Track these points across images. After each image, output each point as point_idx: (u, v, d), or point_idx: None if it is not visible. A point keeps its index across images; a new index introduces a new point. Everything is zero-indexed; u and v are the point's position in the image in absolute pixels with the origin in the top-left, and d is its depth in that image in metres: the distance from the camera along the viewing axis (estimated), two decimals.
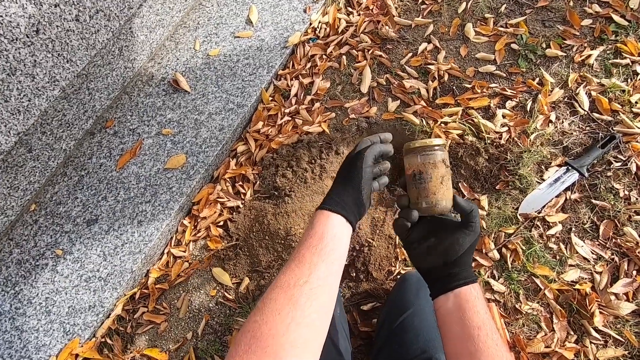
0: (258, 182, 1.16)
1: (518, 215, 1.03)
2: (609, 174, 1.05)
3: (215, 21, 1.28)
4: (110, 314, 1.01)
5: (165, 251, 1.11)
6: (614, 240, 0.99)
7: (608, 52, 1.19)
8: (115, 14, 0.93)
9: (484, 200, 1.06)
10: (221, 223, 1.13)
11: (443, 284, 0.56)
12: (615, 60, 1.17)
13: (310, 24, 1.31)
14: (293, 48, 1.31)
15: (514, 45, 1.24)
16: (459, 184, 1.09)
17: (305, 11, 1.33)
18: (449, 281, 0.56)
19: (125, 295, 1.02)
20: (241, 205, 1.13)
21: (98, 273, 0.99)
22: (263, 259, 1.05)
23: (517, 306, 0.96)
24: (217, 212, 1.13)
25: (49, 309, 0.97)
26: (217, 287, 1.07)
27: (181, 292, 1.07)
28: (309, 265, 0.51)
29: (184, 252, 1.11)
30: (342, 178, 0.59)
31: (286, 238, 1.03)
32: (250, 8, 1.31)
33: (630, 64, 1.16)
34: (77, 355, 0.97)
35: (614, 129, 1.09)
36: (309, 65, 1.30)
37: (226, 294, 1.06)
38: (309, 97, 1.26)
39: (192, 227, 1.13)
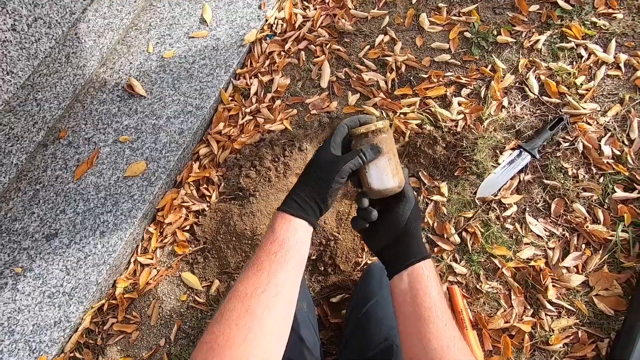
0: (223, 184, 1.17)
1: (476, 199, 1.08)
2: (558, 154, 1.11)
3: (168, 22, 1.26)
4: (78, 328, 1.00)
5: (132, 260, 1.11)
6: (564, 217, 1.06)
7: (554, 36, 1.24)
8: (57, 20, 0.91)
9: (444, 187, 1.11)
10: (187, 227, 1.13)
11: (396, 263, 0.58)
12: (561, 44, 1.23)
13: (267, 20, 1.32)
14: (250, 46, 1.30)
15: (467, 34, 1.28)
16: (419, 173, 1.13)
17: (260, 7, 1.32)
18: (401, 259, 0.58)
19: (92, 308, 1.02)
20: (207, 208, 1.14)
21: (62, 288, 0.98)
22: (232, 260, 1.07)
23: (478, 286, 1.02)
24: (182, 216, 1.13)
25: (12, 329, 0.95)
26: (188, 292, 1.08)
27: (151, 299, 1.07)
28: (267, 273, 0.51)
29: (151, 259, 1.11)
30: (309, 178, 0.57)
31: (253, 238, 1.05)
32: (203, 7, 1.30)
33: (575, 47, 1.22)
34: None
35: (562, 110, 1.15)
36: (267, 62, 1.30)
37: (197, 297, 1.07)
38: (269, 95, 1.27)
39: (158, 234, 1.13)
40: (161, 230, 1.13)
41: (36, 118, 1.07)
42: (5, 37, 0.84)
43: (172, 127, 1.15)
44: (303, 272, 0.55)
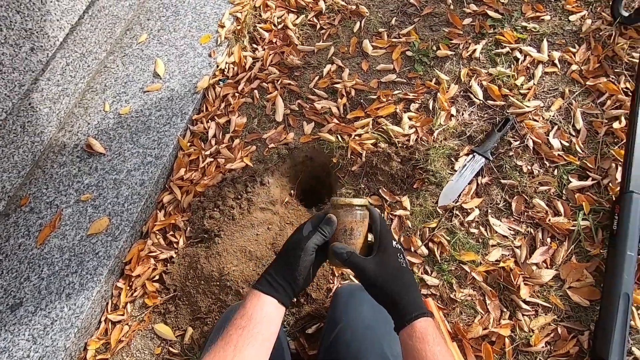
0: (189, 229, 1.20)
1: (438, 208, 1.12)
2: (510, 153, 1.16)
3: (123, 80, 1.35)
4: None
5: (102, 319, 1.11)
6: (526, 213, 1.09)
7: (490, 44, 1.34)
8: (5, 94, 0.98)
9: (406, 200, 1.15)
10: (156, 277, 1.15)
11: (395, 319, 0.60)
12: (497, 50, 1.32)
13: (218, 66, 1.41)
14: (204, 92, 1.39)
15: (408, 53, 1.38)
16: (380, 191, 1.17)
17: (210, 55, 1.42)
18: (395, 316, 0.59)
19: None
20: (174, 255, 1.16)
21: (28, 359, 0.97)
22: (202, 305, 1.07)
23: (452, 296, 1.03)
24: (150, 267, 1.15)
25: None
26: (162, 344, 1.08)
27: (125, 357, 1.06)
28: (234, 347, 0.54)
29: (122, 315, 1.11)
30: (280, 257, 0.64)
31: (221, 279, 1.06)
32: (155, 62, 1.39)
33: (510, 51, 1.31)
34: None
35: (508, 111, 1.22)
36: (223, 105, 1.38)
37: (171, 348, 1.06)
38: (227, 135, 1.33)
39: (127, 288, 1.14)
40: (130, 284, 1.14)
41: None
42: None
43: (133, 179, 1.19)
44: (272, 347, 0.58)
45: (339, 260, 0.63)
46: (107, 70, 1.37)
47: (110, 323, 1.11)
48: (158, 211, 1.23)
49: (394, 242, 0.65)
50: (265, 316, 0.57)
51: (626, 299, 0.89)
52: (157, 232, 1.21)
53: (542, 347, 0.95)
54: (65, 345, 1.00)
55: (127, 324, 1.11)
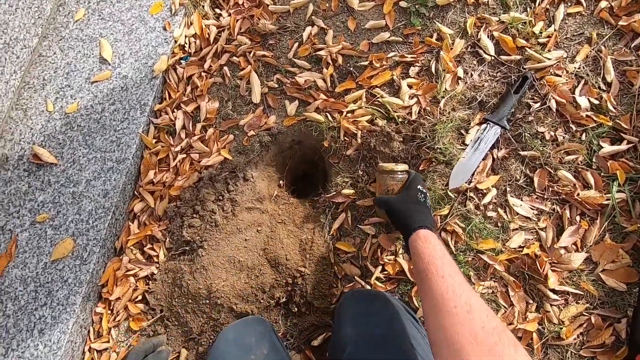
0: (168, 239, 1.06)
1: (449, 192, 0.98)
2: (530, 118, 1.01)
3: (64, 71, 1.13)
4: None
5: (86, 349, 1.01)
6: (550, 188, 0.96)
7: None
8: None
9: None
10: (139, 298, 1.04)
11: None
12: None
13: (176, 41, 1.19)
14: (163, 75, 1.18)
15: (402, 3, 1.16)
16: None
17: (165, 29, 1.19)
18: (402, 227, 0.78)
19: None
20: (156, 271, 1.04)
21: None
22: (193, 325, 0.97)
23: None
24: (130, 286, 1.03)
25: None
26: None
27: None
28: None
29: (108, 342, 1.02)
30: None
31: (210, 297, 0.95)
32: (100, 43, 1.17)
33: None
34: None
35: (525, 67, 1.03)
36: (188, 89, 1.18)
37: None
38: (199, 125, 1.15)
39: (108, 313, 1.03)
40: (110, 308, 1.03)
41: None
42: None
43: (95, 190, 1.03)
44: None
45: (377, 204, 0.87)
46: (43, 61, 1.15)
47: (95, 352, 1.01)
48: (130, 223, 1.09)
49: (420, 187, 0.82)
50: None
51: None
52: (132, 247, 1.07)
53: (574, 339, 0.86)
54: None
55: (114, 351, 1.01)
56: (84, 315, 0.99)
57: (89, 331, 1.02)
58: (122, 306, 1.03)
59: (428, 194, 0.83)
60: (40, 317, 0.95)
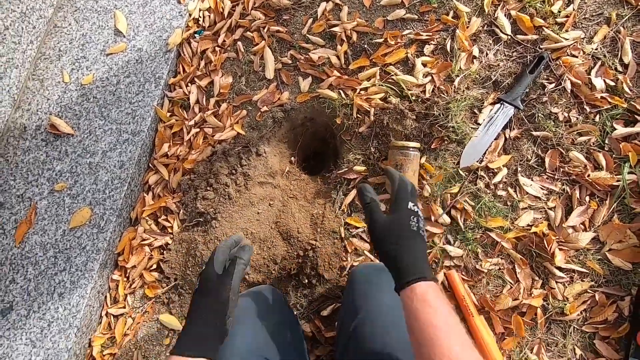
0: (182, 211, 1.09)
1: (460, 170, 0.99)
2: (544, 99, 1.01)
3: (79, 42, 1.14)
4: None
5: (103, 313, 1.05)
6: (561, 169, 0.97)
7: None
8: None
9: (423, 163, 1.01)
10: (154, 266, 1.07)
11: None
12: None
13: (190, 15, 1.19)
14: (178, 49, 1.18)
15: None
16: None
17: (179, 2, 1.18)
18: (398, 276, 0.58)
19: None
20: (170, 241, 1.07)
21: None
22: None
23: (477, 266, 0.95)
24: (145, 256, 1.06)
25: None
26: (170, 334, 1.03)
27: (133, 349, 1.02)
28: None
29: (124, 307, 1.05)
30: (195, 305, 0.59)
31: None
32: (115, 15, 1.17)
33: None
34: None
35: (541, 47, 1.03)
36: (202, 63, 1.18)
37: None
38: (212, 100, 1.16)
39: (124, 280, 1.06)
40: (126, 275, 1.07)
41: None
42: None
43: (111, 161, 1.05)
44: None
45: (359, 199, 0.65)
46: (58, 31, 1.15)
47: (112, 317, 1.05)
48: (145, 194, 1.11)
49: (411, 204, 0.61)
50: None
51: None
52: (147, 217, 1.10)
53: (577, 315, 0.89)
54: (67, 346, 0.95)
55: (130, 317, 1.05)
56: (101, 281, 1.03)
57: (105, 297, 1.06)
58: (137, 274, 1.06)
59: (422, 215, 0.63)
60: (60, 281, 0.99)
